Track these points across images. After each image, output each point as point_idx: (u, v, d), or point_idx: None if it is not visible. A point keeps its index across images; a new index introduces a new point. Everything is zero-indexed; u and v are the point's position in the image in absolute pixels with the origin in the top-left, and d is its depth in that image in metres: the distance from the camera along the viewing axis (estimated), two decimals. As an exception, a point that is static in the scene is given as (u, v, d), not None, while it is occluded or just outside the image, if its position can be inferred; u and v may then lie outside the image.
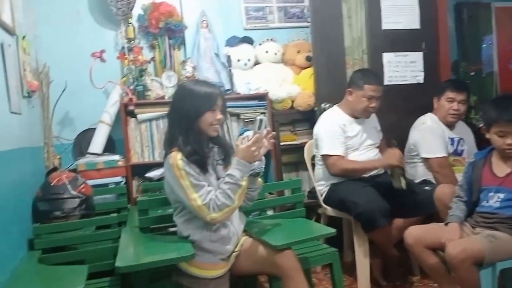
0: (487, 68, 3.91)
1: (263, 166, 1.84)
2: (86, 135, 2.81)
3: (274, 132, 1.77)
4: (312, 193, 2.81)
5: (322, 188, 2.60)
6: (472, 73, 3.65)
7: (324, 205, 2.59)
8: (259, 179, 1.94)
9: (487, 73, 3.90)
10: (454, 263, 1.82)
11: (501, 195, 1.96)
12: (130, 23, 2.91)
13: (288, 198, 2.49)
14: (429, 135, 2.61)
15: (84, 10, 2.93)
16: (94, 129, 2.77)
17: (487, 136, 2.04)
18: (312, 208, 2.78)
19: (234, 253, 1.82)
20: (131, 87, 2.76)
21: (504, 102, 2.05)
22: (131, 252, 1.75)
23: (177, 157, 1.69)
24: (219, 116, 1.76)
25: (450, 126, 2.67)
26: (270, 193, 2.76)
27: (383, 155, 2.45)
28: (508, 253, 1.85)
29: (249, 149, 1.69)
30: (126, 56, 2.84)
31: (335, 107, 2.63)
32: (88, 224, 2.03)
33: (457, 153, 2.66)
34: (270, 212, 2.66)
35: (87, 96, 2.80)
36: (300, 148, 2.85)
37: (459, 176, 2.45)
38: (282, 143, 3.00)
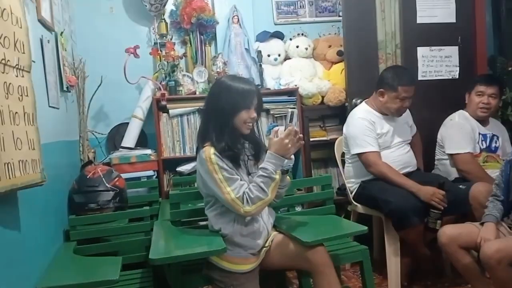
0: (527, 63, 3.75)
1: (291, 164, 1.84)
2: (120, 130, 2.87)
3: (301, 135, 1.75)
4: (341, 190, 2.79)
5: (352, 185, 2.58)
6: (510, 69, 3.51)
7: (354, 203, 2.56)
8: (288, 177, 1.94)
9: (526, 69, 3.75)
10: (489, 263, 1.79)
11: None
12: (163, 19, 2.95)
13: (318, 194, 2.48)
14: (455, 131, 2.59)
15: (118, 6, 2.99)
16: (127, 123, 2.82)
17: None
18: (341, 205, 2.76)
19: (264, 248, 1.83)
20: (163, 83, 2.80)
21: None
22: (164, 245, 1.78)
23: (210, 151, 1.70)
24: (254, 114, 1.76)
25: (483, 122, 2.62)
26: (299, 189, 2.75)
27: (424, 186, 2.29)
28: None
29: (282, 142, 1.69)
30: (158, 51, 2.88)
31: (363, 104, 2.58)
32: (121, 216, 2.08)
33: (490, 149, 2.59)
34: (298, 209, 2.66)
35: (121, 91, 2.86)
36: (330, 144, 2.82)
37: (493, 173, 2.46)
38: (311, 139, 2.98)
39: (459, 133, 2.57)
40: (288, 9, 3.25)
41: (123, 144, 2.74)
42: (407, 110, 2.58)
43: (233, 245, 1.75)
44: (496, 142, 2.61)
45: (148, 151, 2.69)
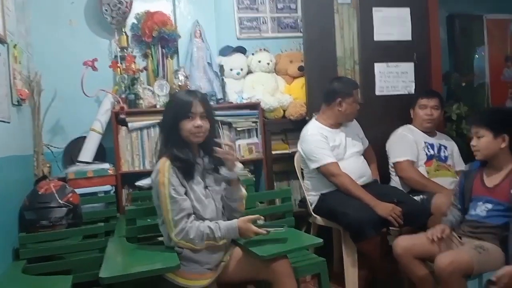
0: (479, 79, 3.93)
1: (232, 176, 1.85)
2: (77, 144, 2.81)
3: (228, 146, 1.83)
4: (303, 202, 2.81)
5: (312, 197, 2.61)
6: (464, 84, 3.68)
7: (314, 215, 2.59)
8: (243, 190, 1.94)
9: (478, 84, 3.93)
10: (443, 276, 1.82)
11: (489, 205, 2.01)
12: (124, 32, 2.93)
13: (277, 207, 2.49)
14: (395, 142, 2.76)
15: (78, 19, 2.95)
16: (85, 137, 2.76)
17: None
18: (303, 217, 2.78)
19: (223, 263, 1.82)
20: (123, 96, 2.77)
21: (480, 110, 2.15)
22: (116, 262, 1.74)
23: (166, 163, 1.73)
24: (198, 123, 1.76)
25: (430, 133, 2.79)
26: (261, 202, 2.76)
27: (381, 202, 2.34)
28: (495, 265, 1.85)
29: (249, 231, 1.74)
30: (118, 64, 2.85)
31: (313, 120, 2.65)
32: (74, 233, 2.02)
33: (441, 158, 2.73)
34: (260, 222, 2.66)
35: (79, 104, 2.80)
36: (291, 157, 2.85)
37: (444, 181, 2.60)
38: (273, 152, 3.00)
39: (398, 142, 2.74)
40: (251, 25, 3.29)
41: (80, 158, 2.67)
42: (356, 124, 2.72)
43: (189, 260, 1.73)
44: (444, 152, 2.75)
45: (106, 166, 2.64)
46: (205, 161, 1.86)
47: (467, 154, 2.81)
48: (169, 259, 1.64)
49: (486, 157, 2.05)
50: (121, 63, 2.85)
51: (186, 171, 1.74)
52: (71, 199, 2.14)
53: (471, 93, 3.81)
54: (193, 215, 1.74)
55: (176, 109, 1.79)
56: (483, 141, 2.02)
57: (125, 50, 2.89)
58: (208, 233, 1.70)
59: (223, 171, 1.86)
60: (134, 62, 2.85)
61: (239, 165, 1.92)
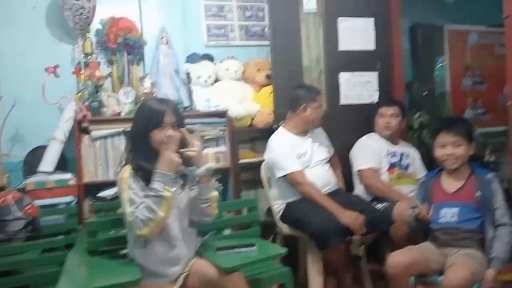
0: (440, 88, 4.08)
1: (200, 173, 1.81)
2: (38, 153, 2.71)
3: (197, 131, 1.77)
4: (271, 211, 2.82)
5: (278, 206, 2.63)
6: (425, 93, 3.80)
7: (280, 224, 2.60)
8: (215, 192, 1.92)
9: (439, 93, 4.07)
10: (393, 275, 1.88)
11: (456, 210, 2.05)
12: (88, 37, 2.87)
13: (243, 217, 2.49)
14: (358, 150, 2.83)
15: (40, 24, 2.86)
16: (46, 146, 2.68)
17: (434, 152, 2.16)
18: (271, 226, 2.79)
19: (183, 274, 1.79)
20: (86, 103, 2.70)
21: (446, 119, 2.18)
22: (76, 276, 1.69)
23: (127, 170, 1.73)
24: (169, 133, 1.75)
25: (393, 142, 2.86)
26: (229, 212, 2.75)
27: (346, 210, 2.38)
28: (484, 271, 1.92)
29: (163, 158, 1.68)
30: (82, 71, 2.78)
31: (281, 128, 2.69)
32: (33, 247, 1.96)
33: (402, 167, 2.80)
34: (227, 231, 2.66)
35: (40, 112, 2.72)
36: (259, 165, 2.85)
37: (406, 189, 2.67)
38: (241, 161, 3.00)
39: (362, 151, 2.81)
40: (218, 32, 3.28)
41: (40, 168, 2.59)
42: (322, 132, 2.79)
43: (149, 273, 1.71)
44: (406, 160, 2.83)
45: (68, 176, 2.57)
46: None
47: (428, 162, 2.91)
48: (131, 272, 1.62)
49: (461, 165, 2.10)
50: (84, 70, 2.78)
51: (148, 180, 1.71)
52: (29, 211, 2.07)
53: (432, 102, 3.95)
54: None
55: (148, 118, 1.77)
56: (462, 149, 2.08)
57: (89, 57, 2.83)
58: (151, 201, 1.64)
59: (192, 170, 1.82)
60: (98, 69, 2.79)
61: (209, 163, 1.90)
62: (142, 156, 1.75)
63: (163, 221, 1.68)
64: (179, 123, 1.80)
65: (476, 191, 2.05)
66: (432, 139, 2.18)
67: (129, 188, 1.69)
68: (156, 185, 1.66)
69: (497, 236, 1.98)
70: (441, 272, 1.96)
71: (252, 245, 1.92)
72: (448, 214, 2.07)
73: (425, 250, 2.04)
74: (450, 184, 2.14)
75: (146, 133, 1.76)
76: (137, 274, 1.59)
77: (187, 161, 1.82)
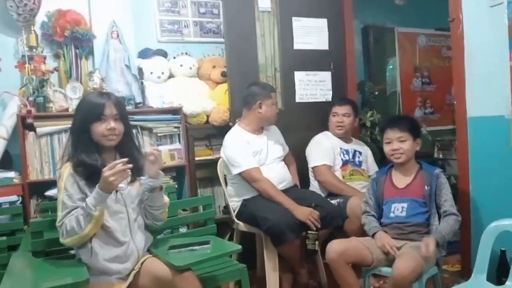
0: (391, 88, 4.23)
1: (155, 184, 1.82)
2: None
3: (129, 165, 1.65)
4: (227, 208, 2.80)
5: (234, 203, 2.61)
6: (377, 93, 3.92)
7: (236, 221, 2.59)
8: (166, 198, 1.89)
9: (391, 93, 4.22)
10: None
11: (405, 205, 2.13)
12: (33, 30, 2.72)
13: (198, 215, 2.45)
14: (313, 147, 2.89)
15: (-19, 15, 2.69)
16: (-13, 143, 2.52)
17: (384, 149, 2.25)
18: (228, 223, 2.77)
19: (133, 271, 1.74)
20: (31, 98, 2.56)
21: (392, 117, 2.51)
22: (20, 279, 1.59)
23: (66, 169, 1.68)
24: (111, 125, 1.72)
25: (346, 140, 2.93)
26: (184, 210, 2.70)
27: (300, 206, 2.40)
28: (432, 262, 1.98)
29: (105, 178, 1.61)
30: (26, 65, 2.63)
31: (236, 126, 2.69)
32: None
33: (355, 164, 2.88)
34: (183, 230, 2.61)
35: (-21, 107, 2.55)
36: (215, 163, 2.83)
37: (358, 185, 2.74)
38: (197, 158, 2.95)
39: (316, 148, 2.86)
40: (172, 28, 3.22)
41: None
42: (277, 130, 2.79)
43: (97, 271, 1.66)
44: (359, 157, 2.90)
45: (12, 174, 2.42)
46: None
47: (380, 158, 3.01)
48: (78, 273, 1.55)
49: (407, 159, 2.19)
50: (29, 64, 2.64)
51: (89, 176, 1.67)
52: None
53: (384, 102, 4.09)
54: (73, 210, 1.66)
55: (88, 111, 1.74)
56: (407, 144, 2.17)
57: (33, 50, 2.68)
58: (82, 214, 1.61)
59: (145, 179, 1.81)
60: (44, 63, 2.65)
61: (162, 173, 1.87)
62: (83, 151, 1.71)
63: (86, 237, 1.65)
64: (121, 116, 1.77)
65: (424, 186, 2.13)
66: (381, 137, 2.28)
67: (64, 189, 1.66)
68: (90, 200, 1.62)
69: (444, 220, 2.06)
70: (389, 264, 2.01)
71: (206, 242, 1.89)
72: (398, 209, 2.15)
73: (370, 242, 2.10)
74: (399, 180, 2.23)
75: (87, 127, 1.73)
76: (84, 275, 1.52)
77: (140, 170, 1.81)
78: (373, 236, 2.13)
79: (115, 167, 1.60)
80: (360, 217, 2.34)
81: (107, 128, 1.72)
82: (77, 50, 2.81)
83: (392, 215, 2.16)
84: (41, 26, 2.78)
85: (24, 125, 2.49)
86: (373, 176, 2.35)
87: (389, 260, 2.02)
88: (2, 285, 1.47)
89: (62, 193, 1.66)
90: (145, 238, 1.87)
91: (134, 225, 1.81)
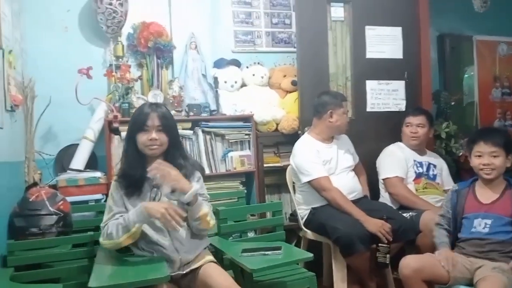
0: (468, 98, 4.03)
1: (192, 192, 1.79)
2: (69, 151, 2.78)
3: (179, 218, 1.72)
4: (294, 215, 2.82)
5: (303, 211, 2.63)
6: (453, 103, 3.76)
7: (304, 229, 2.60)
8: (205, 209, 1.86)
9: (467, 103, 4.02)
10: (406, 281, 1.89)
11: (488, 221, 2.01)
12: (119, 41, 2.94)
13: (268, 220, 2.50)
14: (385, 158, 2.81)
15: (73, 26, 2.95)
16: (77, 145, 2.75)
17: (470, 161, 2.13)
18: (294, 231, 2.79)
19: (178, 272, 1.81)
20: (117, 105, 2.77)
21: (485, 129, 2.29)
22: (106, 271, 1.72)
23: (113, 179, 1.89)
24: (153, 136, 1.82)
25: (420, 152, 2.84)
26: (252, 215, 2.76)
27: (371, 218, 2.37)
28: None
29: (159, 206, 1.71)
30: (113, 73, 2.85)
31: (306, 134, 2.70)
32: (63, 241, 2.00)
33: (429, 177, 2.77)
34: (251, 234, 2.67)
35: (72, 112, 2.79)
36: (283, 170, 2.87)
37: (431, 199, 2.63)
38: (265, 165, 3.01)
39: (389, 159, 2.79)
40: (245, 38, 3.32)
41: (71, 166, 2.65)
42: (348, 139, 2.77)
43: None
44: (433, 170, 2.79)
45: (98, 174, 2.62)
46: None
47: (455, 172, 2.88)
48: (159, 269, 1.64)
49: (497, 176, 2.06)
50: (115, 72, 2.85)
51: (128, 187, 1.82)
52: (61, 207, 2.12)
53: (460, 112, 3.90)
54: (118, 214, 1.80)
55: (134, 122, 1.88)
56: (500, 160, 2.04)
57: (120, 59, 2.90)
58: (121, 224, 1.73)
59: (176, 195, 1.82)
60: (129, 72, 2.86)
61: (194, 186, 1.82)
62: (128, 160, 1.85)
63: (120, 245, 1.77)
64: (164, 127, 1.85)
65: None
66: (469, 149, 2.14)
67: (111, 194, 1.84)
68: (132, 215, 1.74)
69: None
70: (467, 283, 1.93)
71: (278, 248, 1.93)
72: (481, 225, 2.03)
73: (441, 252, 2.02)
74: (484, 195, 2.09)
75: (133, 136, 1.85)
76: (165, 271, 1.61)
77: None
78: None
79: (172, 212, 1.69)
80: (433, 232, 2.26)
81: (148, 139, 1.82)
82: (159, 60, 2.99)
83: (473, 230, 2.04)
84: (127, 37, 2.99)
85: (110, 129, 2.69)
86: (454, 188, 2.21)
87: (467, 279, 1.93)
88: (93, 276, 1.60)
89: (110, 198, 1.84)
90: (194, 244, 1.89)
91: (175, 234, 1.83)
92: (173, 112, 2.79)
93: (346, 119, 2.66)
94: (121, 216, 1.78)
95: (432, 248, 2.22)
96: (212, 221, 1.89)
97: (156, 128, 1.84)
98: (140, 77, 2.97)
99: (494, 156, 2.04)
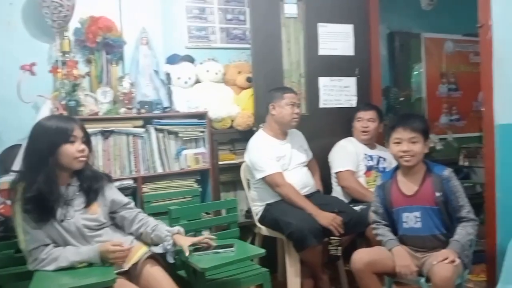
0: (416, 94, 4.19)
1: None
2: (12, 152, 2.64)
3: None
4: (250, 212, 2.83)
5: (257, 208, 2.64)
6: (402, 99, 3.89)
7: (259, 225, 2.62)
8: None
9: (416, 99, 4.18)
10: (358, 274, 1.96)
11: (418, 214, 2.02)
12: (66, 36, 2.82)
13: (222, 218, 2.49)
14: (337, 153, 2.88)
15: (17, 21, 2.80)
16: (21, 145, 2.62)
17: (390, 149, 2.12)
18: (250, 227, 2.80)
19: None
20: (63, 102, 2.66)
21: (403, 115, 2.30)
22: (49, 277, 1.66)
23: (17, 204, 1.70)
24: (82, 147, 1.77)
25: (370, 146, 2.92)
26: (207, 213, 2.75)
27: (323, 212, 2.42)
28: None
29: (109, 252, 1.69)
30: (59, 70, 2.73)
31: (260, 130, 2.72)
32: (5, 247, 1.91)
33: (379, 170, 2.87)
34: (206, 233, 2.65)
35: (15, 110, 2.65)
36: (239, 167, 2.87)
37: None
38: (220, 162, 3.00)
39: (340, 153, 2.86)
40: (199, 34, 3.28)
41: (14, 168, 2.52)
42: (301, 136, 2.79)
43: None
44: (383, 163, 2.89)
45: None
46: (72, 190, 1.82)
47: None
48: (105, 273, 1.60)
49: (416, 163, 2.03)
50: (62, 68, 2.74)
51: (40, 208, 1.70)
52: (2, 211, 2.02)
53: (409, 108, 4.05)
54: (51, 245, 1.71)
55: (55, 134, 1.74)
56: (418, 146, 2.01)
57: (66, 55, 2.78)
58: (63, 265, 1.68)
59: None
60: (76, 68, 2.74)
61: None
62: (47, 177, 1.70)
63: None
64: (86, 139, 1.82)
65: (435, 192, 2.01)
66: (388, 136, 2.11)
67: (24, 231, 1.70)
68: (85, 255, 1.69)
69: (462, 225, 1.98)
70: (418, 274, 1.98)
71: (230, 246, 1.93)
72: (411, 219, 2.04)
73: (396, 253, 2.02)
74: (406, 185, 2.08)
75: (54, 150, 1.72)
76: (111, 275, 1.57)
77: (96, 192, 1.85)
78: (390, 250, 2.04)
79: (120, 251, 1.69)
80: None
81: (77, 150, 1.75)
82: (108, 56, 2.90)
83: (405, 225, 2.06)
84: (74, 32, 2.87)
85: (56, 128, 2.58)
86: (378, 183, 2.22)
87: (416, 271, 1.98)
88: (34, 282, 1.54)
89: (22, 234, 1.70)
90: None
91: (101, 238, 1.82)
92: (123, 110, 2.76)
93: (291, 111, 2.61)
94: (55, 246, 1.71)
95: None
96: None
97: (81, 139, 1.78)
98: (88, 74, 2.86)
99: (413, 142, 2.01)
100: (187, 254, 1.78)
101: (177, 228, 1.90)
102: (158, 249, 1.81)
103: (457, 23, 4.11)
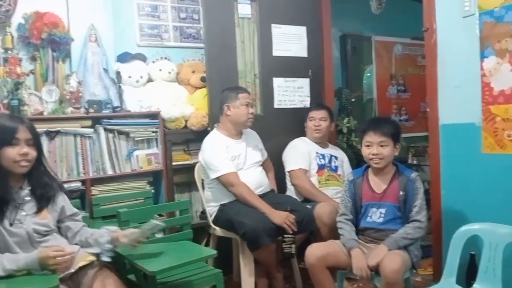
0: (368, 95, 4.32)
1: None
2: None
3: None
4: (205, 213, 2.80)
5: (211, 208, 2.62)
6: (354, 100, 3.99)
7: (213, 226, 2.59)
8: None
9: (367, 100, 4.31)
10: (312, 269, 2.01)
11: (383, 210, 2.13)
12: (8, 32, 2.67)
13: (174, 220, 2.45)
14: (290, 152, 2.93)
15: (-48, 15, 2.63)
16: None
17: (362, 151, 2.22)
18: (205, 229, 2.77)
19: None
20: (5, 101, 2.51)
21: (374, 119, 2.35)
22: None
23: None
24: (24, 150, 1.66)
25: (322, 145, 2.98)
26: (160, 215, 2.69)
27: (276, 210, 2.42)
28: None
29: (49, 258, 1.60)
30: (0, 67, 2.58)
31: (215, 130, 2.70)
32: None
33: (331, 168, 2.93)
34: (159, 235, 2.59)
35: (-49, 109, 2.49)
36: (193, 167, 2.83)
37: (334, 190, 2.78)
38: (174, 163, 2.94)
39: (292, 152, 2.90)
40: (152, 32, 3.21)
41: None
42: (256, 136, 2.80)
43: None
44: (335, 162, 2.95)
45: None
46: (23, 194, 1.73)
47: (356, 164, 3.06)
48: (49, 280, 1.52)
49: (385, 165, 2.15)
50: (4, 66, 2.59)
51: None
52: None
53: (360, 108, 4.17)
54: None
55: None
56: (388, 150, 2.12)
57: (9, 52, 2.63)
58: (7, 260, 1.59)
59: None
60: (19, 65, 2.60)
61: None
62: None
63: None
64: (35, 141, 1.73)
65: (400, 191, 2.13)
66: (360, 139, 2.23)
67: None
68: (21, 262, 1.59)
69: (406, 225, 2.09)
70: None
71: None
72: (376, 214, 2.15)
73: (353, 255, 2.07)
74: (377, 184, 2.20)
75: None
76: (55, 281, 1.50)
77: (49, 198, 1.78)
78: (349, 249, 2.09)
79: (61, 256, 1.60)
80: (326, 224, 2.42)
81: (19, 153, 1.65)
82: (54, 53, 2.77)
83: (369, 219, 2.16)
84: (18, 28, 2.73)
85: (-3, 128, 2.44)
86: (349, 178, 2.30)
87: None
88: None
89: None
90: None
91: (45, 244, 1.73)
92: (71, 109, 2.65)
93: (245, 111, 2.60)
94: None
95: (329, 237, 2.33)
96: None
97: (27, 141, 1.68)
98: (32, 71, 2.72)
99: (382, 146, 2.12)
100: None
101: (114, 227, 1.84)
102: (94, 249, 1.75)
103: (405, 27, 4.27)
